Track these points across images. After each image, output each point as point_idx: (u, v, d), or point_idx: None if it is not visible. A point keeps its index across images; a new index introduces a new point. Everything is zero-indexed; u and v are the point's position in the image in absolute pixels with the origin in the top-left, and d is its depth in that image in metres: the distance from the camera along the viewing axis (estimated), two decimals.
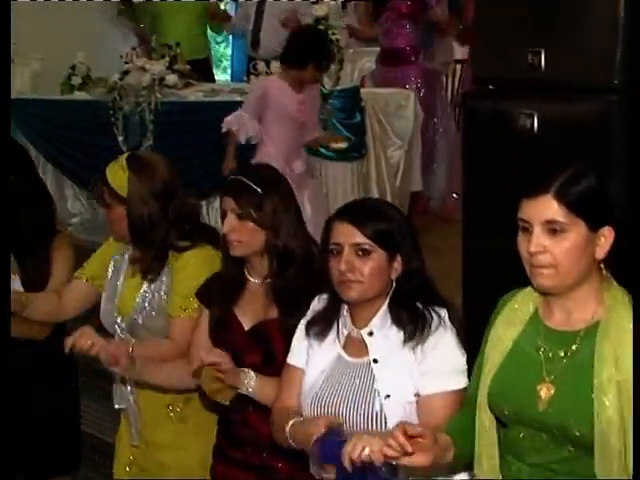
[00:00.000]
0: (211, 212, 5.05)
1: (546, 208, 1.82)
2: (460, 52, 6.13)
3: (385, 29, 5.71)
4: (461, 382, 2.06)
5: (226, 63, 9.45)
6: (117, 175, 2.59)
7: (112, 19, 6.50)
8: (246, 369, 2.25)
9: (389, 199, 4.83)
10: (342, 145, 4.48)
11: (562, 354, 1.85)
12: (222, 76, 8.73)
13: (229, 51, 9.01)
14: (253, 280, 2.44)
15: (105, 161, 5.65)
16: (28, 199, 2.97)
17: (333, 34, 4.32)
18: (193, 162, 5.05)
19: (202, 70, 6.34)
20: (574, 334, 1.85)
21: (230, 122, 4.37)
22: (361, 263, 2.09)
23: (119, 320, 2.68)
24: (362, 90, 4.74)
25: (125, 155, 2.67)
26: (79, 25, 6.72)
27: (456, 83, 6.29)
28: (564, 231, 1.81)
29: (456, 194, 5.63)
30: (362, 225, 2.09)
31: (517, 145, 2.54)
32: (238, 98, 4.88)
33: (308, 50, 4.06)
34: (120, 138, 5.34)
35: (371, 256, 2.09)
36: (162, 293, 2.63)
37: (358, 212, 2.15)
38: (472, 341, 2.10)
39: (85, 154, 5.70)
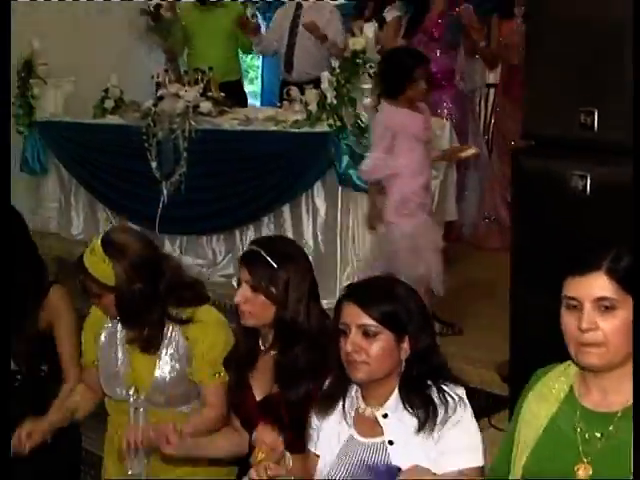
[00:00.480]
0: (244, 241, 5.05)
1: (597, 285, 1.81)
2: (492, 77, 6.09)
3: None
4: (478, 460, 2.05)
5: (253, 74, 9.46)
6: (100, 267, 2.56)
7: (141, 35, 6.48)
8: (287, 453, 2.23)
9: None
10: (473, 151, 4.44)
11: (599, 435, 1.84)
12: (250, 87, 8.69)
13: (257, 62, 9.00)
14: (265, 351, 2.48)
15: (139, 185, 5.72)
16: (22, 264, 2.98)
17: (370, 67, 4.28)
18: (227, 190, 5.07)
19: (234, 92, 6.34)
20: (611, 415, 1.84)
21: (372, 170, 4.09)
22: (367, 344, 2.09)
23: (132, 392, 2.69)
24: None
25: (97, 243, 2.60)
26: (110, 44, 6.72)
27: (488, 108, 6.23)
28: (615, 308, 1.81)
29: (487, 219, 5.61)
30: (368, 306, 2.10)
31: (568, 206, 2.52)
32: (273, 127, 4.87)
33: (404, 71, 3.94)
34: (153, 164, 5.34)
35: (378, 337, 2.09)
36: (183, 363, 2.66)
37: (365, 293, 2.16)
38: (516, 398, 2.07)
39: (118, 178, 5.72)
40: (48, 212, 6.39)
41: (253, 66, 9.39)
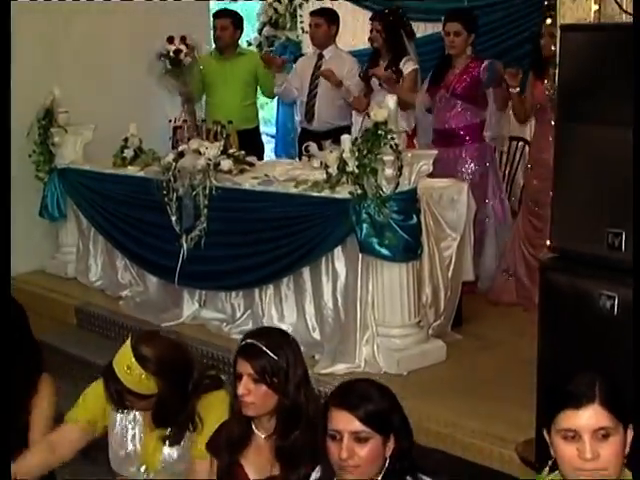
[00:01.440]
0: (264, 298, 5.11)
1: (595, 417, 1.96)
2: (518, 129, 6.11)
3: (439, 108, 5.74)
4: None
5: (268, 115, 9.42)
6: (140, 383, 2.66)
7: (159, 80, 6.55)
8: None
9: (442, 292, 4.87)
10: None
11: None
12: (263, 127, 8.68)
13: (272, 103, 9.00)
14: (260, 435, 2.63)
15: (158, 238, 5.77)
16: (19, 353, 3.03)
17: (392, 139, 4.34)
18: (246, 249, 5.12)
19: (251, 140, 6.43)
20: None
21: None
22: (360, 449, 2.25)
23: (142, 469, 2.84)
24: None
25: (132, 359, 2.65)
26: (129, 90, 6.81)
27: (514, 164, 6.25)
28: (610, 435, 1.96)
29: (505, 273, 5.65)
30: (360, 413, 2.24)
31: (595, 324, 2.57)
32: (293, 190, 4.92)
33: None
34: (173, 218, 5.40)
35: (369, 442, 2.25)
36: (186, 440, 2.80)
37: (353, 398, 2.29)
38: None
39: (137, 229, 5.79)
40: (66, 257, 6.47)
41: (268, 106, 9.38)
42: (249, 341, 2.62)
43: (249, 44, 7.87)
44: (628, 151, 2.47)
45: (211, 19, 6.84)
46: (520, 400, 3.59)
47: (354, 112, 6.65)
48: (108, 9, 6.87)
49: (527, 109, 5.54)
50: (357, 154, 4.45)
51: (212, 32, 6.73)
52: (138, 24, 6.99)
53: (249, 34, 7.59)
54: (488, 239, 5.76)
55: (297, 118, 6.99)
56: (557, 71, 2.67)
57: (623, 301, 2.51)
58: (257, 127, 6.86)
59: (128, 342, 2.71)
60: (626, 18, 3.18)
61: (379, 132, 4.37)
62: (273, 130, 7.77)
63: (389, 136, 4.34)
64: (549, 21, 5.20)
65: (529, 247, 5.51)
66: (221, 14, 6.64)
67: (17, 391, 3.01)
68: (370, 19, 6.25)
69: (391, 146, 4.34)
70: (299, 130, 6.75)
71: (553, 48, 4.87)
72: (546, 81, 5.23)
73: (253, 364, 2.54)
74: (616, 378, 2.15)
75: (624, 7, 3.23)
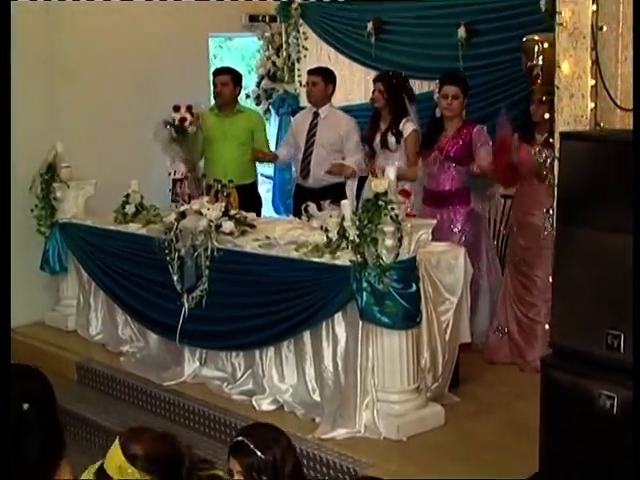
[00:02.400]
0: (264, 358, 5.19)
1: None
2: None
3: (431, 171, 5.87)
4: None
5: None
6: (128, 478, 2.70)
7: (164, 147, 6.66)
8: None
9: (440, 355, 4.95)
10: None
11: None
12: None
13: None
14: None
15: (159, 296, 5.87)
16: (39, 429, 3.04)
17: (392, 209, 4.44)
18: (248, 311, 5.20)
19: (249, 195, 6.55)
20: None
21: None
22: None
23: None
24: None
25: (124, 461, 2.63)
26: (132, 149, 6.92)
27: (503, 220, 6.38)
28: None
29: (498, 332, 5.75)
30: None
31: (595, 422, 2.67)
32: (294, 254, 5.01)
33: None
34: (175, 277, 5.49)
35: None
36: None
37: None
38: None
39: (138, 286, 5.87)
40: (66, 309, 6.55)
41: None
42: (239, 439, 2.80)
43: (247, 96, 7.99)
44: (626, 257, 2.59)
45: (211, 76, 6.96)
46: (519, 466, 3.66)
47: None
48: (110, 65, 7.01)
49: (508, 181, 5.71)
50: (358, 223, 4.55)
51: (212, 88, 6.84)
52: (139, 77, 7.16)
53: (247, 83, 7.69)
54: (481, 297, 5.88)
55: (294, 168, 7.10)
56: (557, 175, 2.78)
57: (622, 401, 2.61)
58: (255, 182, 6.98)
59: (117, 442, 2.77)
60: (621, 114, 3.32)
61: (379, 203, 4.47)
62: (271, 171, 7.88)
63: (389, 207, 4.44)
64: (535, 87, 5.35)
65: (519, 305, 5.64)
66: (221, 71, 6.78)
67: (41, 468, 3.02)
68: (373, 80, 6.38)
69: (391, 217, 4.43)
70: (295, 184, 6.86)
71: (546, 116, 5.05)
72: (535, 147, 5.38)
73: (242, 462, 2.73)
74: (615, 475, 2.24)
75: (618, 102, 3.36)
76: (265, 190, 7.95)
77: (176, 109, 6.48)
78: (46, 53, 6.72)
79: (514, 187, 5.85)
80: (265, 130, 7.14)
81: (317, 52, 7.88)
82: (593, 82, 3.76)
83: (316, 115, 6.61)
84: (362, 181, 6.52)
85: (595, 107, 3.37)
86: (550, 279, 5.01)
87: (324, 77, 6.60)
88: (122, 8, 7.03)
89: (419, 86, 6.81)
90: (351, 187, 6.51)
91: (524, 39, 4.58)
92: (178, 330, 5.46)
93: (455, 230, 5.77)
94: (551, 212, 5.35)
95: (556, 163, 3.61)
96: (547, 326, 5.03)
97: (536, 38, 4.67)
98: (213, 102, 6.98)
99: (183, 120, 6.44)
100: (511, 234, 5.85)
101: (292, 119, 7.18)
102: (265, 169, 8.09)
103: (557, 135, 3.32)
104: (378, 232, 4.49)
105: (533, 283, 5.61)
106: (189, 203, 5.77)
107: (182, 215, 5.50)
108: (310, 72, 6.76)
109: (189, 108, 6.50)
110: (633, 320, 2.48)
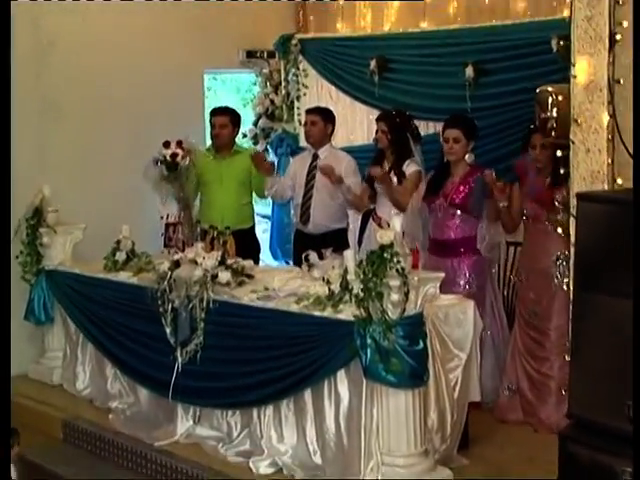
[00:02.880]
0: (262, 417, 4.89)
1: None
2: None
3: (437, 218, 5.60)
4: None
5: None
6: None
7: (155, 186, 6.42)
8: None
9: (448, 415, 4.67)
10: None
11: None
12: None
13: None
14: None
15: (151, 349, 5.61)
16: None
17: (398, 262, 4.19)
18: (245, 367, 4.93)
19: (246, 241, 6.27)
20: None
21: None
22: None
23: None
24: None
25: None
26: (121, 192, 6.68)
27: (510, 264, 6.12)
28: None
29: (509, 390, 5.46)
30: None
31: None
32: (294, 307, 4.74)
33: None
34: (168, 329, 5.20)
35: None
36: None
37: None
38: None
39: (129, 339, 5.60)
40: (52, 362, 6.26)
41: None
42: None
43: (244, 135, 7.73)
44: None
45: (207, 116, 6.73)
46: None
47: (351, 213, 6.52)
48: (101, 104, 6.78)
49: (515, 220, 5.48)
50: (362, 277, 4.29)
51: (210, 129, 6.58)
52: (131, 116, 6.93)
53: (243, 119, 7.44)
54: (486, 352, 5.56)
55: (292, 212, 6.84)
56: (574, 235, 2.56)
57: None
58: (253, 227, 6.69)
59: None
60: None
61: (385, 255, 4.22)
62: (268, 210, 7.65)
63: (395, 259, 4.19)
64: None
65: (530, 361, 5.38)
66: (219, 112, 6.53)
67: None
68: (376, 119, 6.14)
69: (397, 270, 4.18)
70: (294, 230, 6.59)
71: (562, 171, 4.80)
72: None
73: None
74: None
75: None
76: (262, 230, 7.72)
77: (166, 145, 6.27)
78: (34, 91, 6.48)
79: (514, 233, 5.61)
80: None
81: (317, 90, 7.65)
82: (610, 136, 3.60)
83: (315, 157, 6.37)
84: (365, 216, 6.25)
85: (612, 162, 3.18)
86: (562, 331, 4.90)
87: (323, 116, 6.37)
88: (114, 44, 6.82)
89: (424, 127, 6.57)
90: (353, 233, 6.25)
91: (537, 90, 4.38)
92: (171, 386, 5.17)
93: (459, 280, 5.49)
94: (561, 260, 5.17)
95: (572, 220, 3.42)
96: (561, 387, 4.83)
97: (550, 89, 4.45)
98: (209, 142, 6.73)
99: (175, 155, 6.23)
100: (520, 286, 5.56)
101: (291, 160, 6.93)
102: (262, 208, 7.86)
103: (573, 193, 3.10)
104: (383, 286, 4.22)
105: (546, 336, 5.33)
106: (183, 250, 5.53)
107: (176, 264, 5.22)
108: (308, 111, 6.54)
109: (179, 143, 6.31)
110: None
